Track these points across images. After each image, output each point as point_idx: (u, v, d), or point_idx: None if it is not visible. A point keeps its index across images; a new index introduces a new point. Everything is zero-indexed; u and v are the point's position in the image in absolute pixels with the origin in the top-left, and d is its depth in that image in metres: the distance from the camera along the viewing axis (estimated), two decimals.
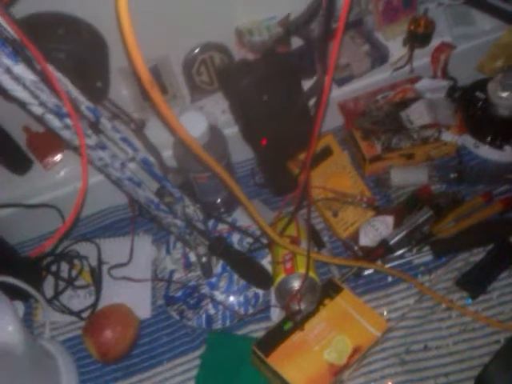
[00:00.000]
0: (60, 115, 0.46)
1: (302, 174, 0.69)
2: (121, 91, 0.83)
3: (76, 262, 0.88)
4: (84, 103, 0.48)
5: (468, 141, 0.92)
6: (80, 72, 0.56)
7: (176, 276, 0.83)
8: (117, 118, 0.59)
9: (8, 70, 0.42)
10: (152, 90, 0.35)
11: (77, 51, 0.60)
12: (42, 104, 0.45)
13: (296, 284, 0.71)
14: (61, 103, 0.44)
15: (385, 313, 0.79)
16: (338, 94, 0.92)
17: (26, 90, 0.44)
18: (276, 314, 0.78)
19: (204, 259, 0.73)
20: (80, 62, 0.59)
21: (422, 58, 0.91)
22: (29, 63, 0.44)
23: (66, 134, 0.49)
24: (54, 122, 0.47)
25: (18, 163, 0.88)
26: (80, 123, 0.45)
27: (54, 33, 0.59)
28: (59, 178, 0.88)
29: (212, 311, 0.79)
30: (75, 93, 0.48)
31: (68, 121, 0.47)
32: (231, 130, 0.88)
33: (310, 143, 0.63)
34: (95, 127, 0.50)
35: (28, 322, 0.86)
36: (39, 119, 0.47)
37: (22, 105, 0.46)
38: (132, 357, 0.81)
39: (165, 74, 0.83)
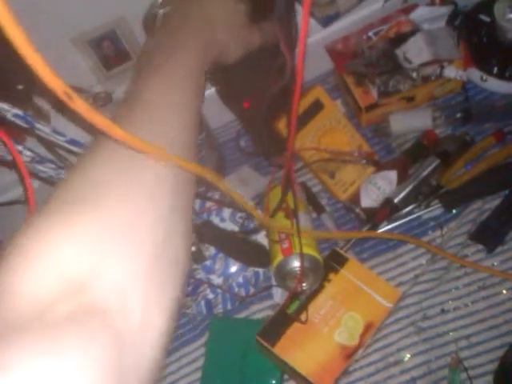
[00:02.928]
0: None
1: (287, 141, 0.59)
2: (77, 63, 0.73)
3: None
4: (9, 111, 0.39)
5: (474, 74, 0.82)
6: None
7: None
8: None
9: None
10: (71, 101, 0.25)
11: None
12: None
13: (296, 264, 0.64)
14: None
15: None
16: (323, 35, 0.81)
17: None
18: (278, 294, 0.72)
19: (193, 248, 0.66)
20: None
21: None
22: None
23: None
24: None
25: None
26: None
27: None
28: None
29: (211, 296, 0.73)
30: None
31: None
32: (209, 92, 0.78)
33: (291, 105, 0.53)
34: (32, 133, 0.41)
35: None
36: None
37: None
38: None
39: (124, 39, 0.73)
